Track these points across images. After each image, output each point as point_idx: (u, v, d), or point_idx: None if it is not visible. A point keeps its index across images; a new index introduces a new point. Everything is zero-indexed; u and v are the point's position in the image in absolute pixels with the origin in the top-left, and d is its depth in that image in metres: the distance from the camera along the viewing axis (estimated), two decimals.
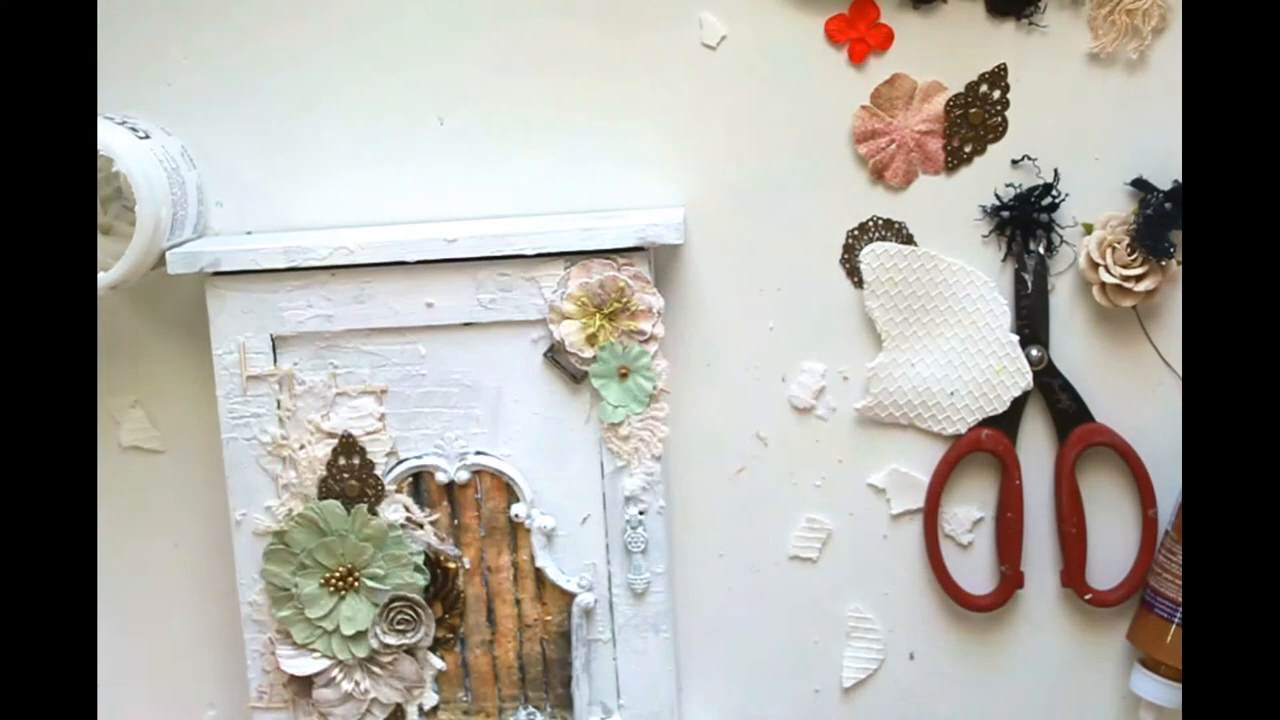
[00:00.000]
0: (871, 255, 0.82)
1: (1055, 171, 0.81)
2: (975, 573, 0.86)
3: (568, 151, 0.83)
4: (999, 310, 0.82)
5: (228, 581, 0.86)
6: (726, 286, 0.84)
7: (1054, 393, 0.83)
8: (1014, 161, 0.81)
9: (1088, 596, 0.84)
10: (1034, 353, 0.82)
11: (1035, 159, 0.81)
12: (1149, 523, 0.83)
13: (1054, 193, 0.81)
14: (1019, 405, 0.83)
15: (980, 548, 0.86)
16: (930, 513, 0.84)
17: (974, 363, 0.82)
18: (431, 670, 0.83)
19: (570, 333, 0.79)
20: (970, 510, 0.85)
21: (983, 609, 0.85)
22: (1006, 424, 0.83)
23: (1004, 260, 0.82)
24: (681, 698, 0.87)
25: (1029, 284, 0.82)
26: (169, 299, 0.86)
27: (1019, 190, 0.81)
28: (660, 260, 0.83)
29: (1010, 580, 0.84)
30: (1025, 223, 0.81)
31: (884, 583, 0.86)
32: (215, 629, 0.89)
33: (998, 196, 0.81)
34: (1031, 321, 0.82)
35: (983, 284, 0.82)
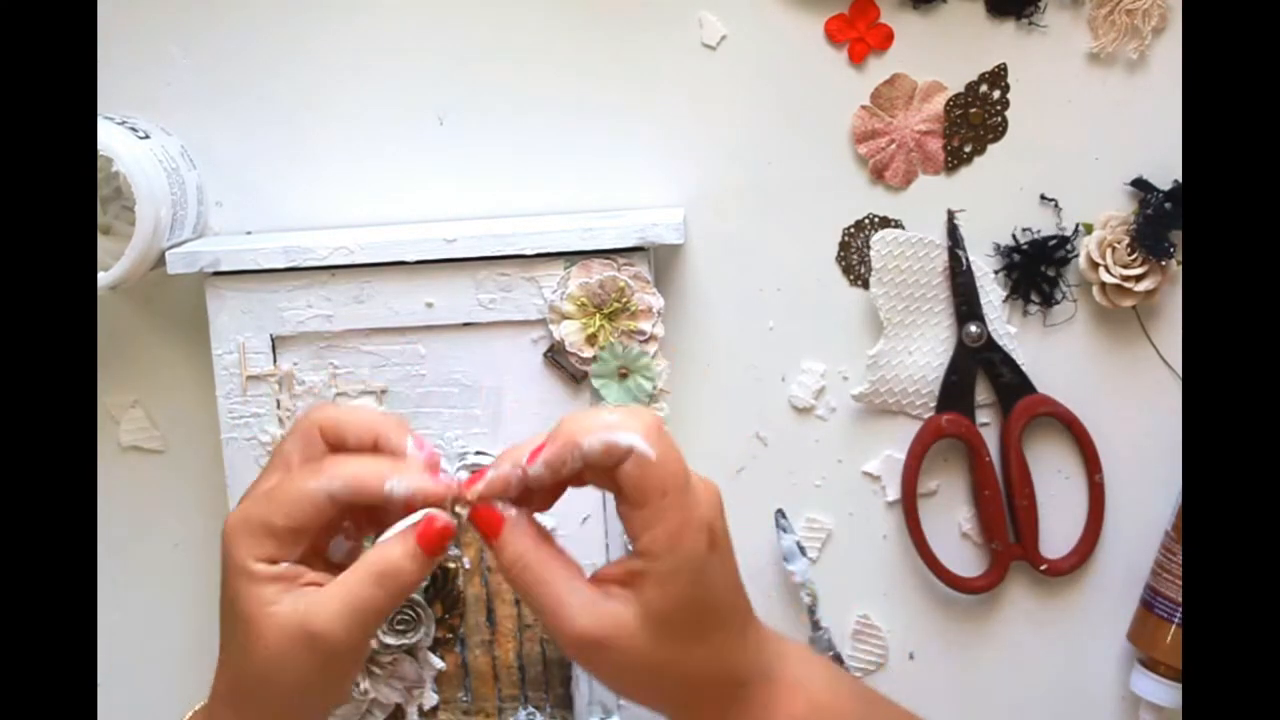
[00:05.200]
0: (881, 242, 0.82)
1: (1077, 227, 0.81)
2: (967, 557, 0.85)
3: (568, 151, 0.83)
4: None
5: None
6: (726, 286, 0.84)
7: (995, 367, 0.83)
8: (1042, 198, 0.81)
9: (1043, 567, 0.84)
10: (972, 329, 0.82)
11: (1059, 203, 0.81)
12: (1095, 488, 0.83)
13: (1068, 247, 0.81)
14: (969, 384, 0.83)
15: (968, 531, 0.85)
16: (909, 502, 0.83)
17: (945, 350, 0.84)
18: (431, 670, 0.83)
19: (570, 333, 0.79)
20: (951, 495, 0.85)
21: (979, 590, 0.84)
22: (962, 405, 0.83)
23: (1005, 301, 0.83)
24: None
25: (963, 261, 0.82)
26: (169, 299, 0.86)
27: (1036, 236, 0.81)
28: (660, 260, 0.83)
29: (1002, 556, 0.84)
30: (1033, 273, 0.82)
31: (884, 583, 0.86)
32: (215, 629, 0.89)
33: (1014, 238, 0.82)
34: (967, 299, 0.82)
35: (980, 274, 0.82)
